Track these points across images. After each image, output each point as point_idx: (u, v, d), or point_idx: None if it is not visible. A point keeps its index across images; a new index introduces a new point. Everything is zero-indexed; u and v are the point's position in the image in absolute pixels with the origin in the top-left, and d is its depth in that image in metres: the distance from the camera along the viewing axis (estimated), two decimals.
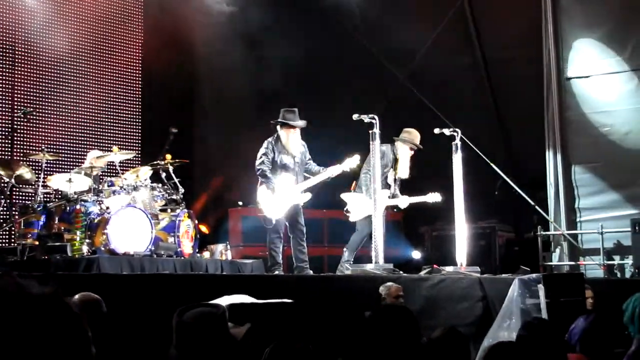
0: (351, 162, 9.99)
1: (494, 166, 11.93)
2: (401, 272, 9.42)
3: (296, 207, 9.88)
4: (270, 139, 9.91)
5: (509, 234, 13.84)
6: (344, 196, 10.39)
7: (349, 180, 10.55)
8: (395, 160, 10.48)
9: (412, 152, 10.58)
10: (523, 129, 14.13)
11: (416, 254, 13.83)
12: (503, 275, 9.16)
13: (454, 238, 10.09)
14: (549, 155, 12.69)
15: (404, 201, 10.70)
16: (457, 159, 10.09)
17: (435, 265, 9.32)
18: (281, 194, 9.69)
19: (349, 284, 8.67)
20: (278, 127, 9.94)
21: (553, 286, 7.61)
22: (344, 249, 10.34)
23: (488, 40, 14.66)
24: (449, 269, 9.46)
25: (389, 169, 10.45)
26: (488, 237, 13.24)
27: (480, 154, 11.66)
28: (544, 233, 12.48)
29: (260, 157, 9.82)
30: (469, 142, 10.96)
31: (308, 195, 9.94)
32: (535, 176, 13.09)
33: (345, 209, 10.34)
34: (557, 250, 12.60)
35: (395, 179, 10.62)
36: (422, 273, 9.11)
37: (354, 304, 7.94)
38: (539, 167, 12.83)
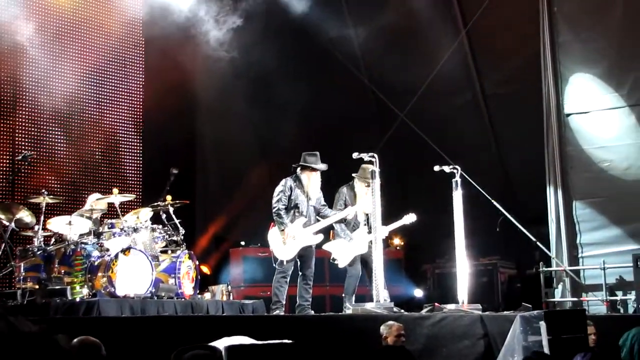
0: (351, 210, 10.19)
1: (495, 202, 11.91)
2: (402, 310, 9.39)
3: (308, 248, 9.93)
4: (289, 178, 9.99)
5: (510, 271, 13.79)
6: (327, 247, 10.41)
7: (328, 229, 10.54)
8: (354, 197, 10.47)
9: (369, 187, 10.34)
10: (524, 165, 14.15)
11: (418, 292, 13.78)
12: (505, 312, 9.12)
13: (456, 275, 10.05)
14: (550, 191, 12.68)
15: (382, 231, 10.43)
16: (458, 196, 10.09)
17: (436, 304, 9.29)
18: (293, 236, 9.76)
19: (350, 323, 8.64)
20: (298, 170, 10.04)
21: (555, 323, 7.56)
22: (343, 295, 10.35)
23: (487, 76, 14.74)
24: (451, 306, 9.42)
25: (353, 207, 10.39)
26: (490, 273, 13.21)
27: (481, 190, 11.65)
28: (546, 269, 12.44)
29: (278, 196, 9.87)
30: (470, 179, 10.95)
31: (320, 237, 10.03)
32: (537, 212, 13.07)
33: (331, 258, 10.38)
34: (560, 286, 12.54)
35: (365, 215, 10.50)
36: (424, 311, 9.07)
37: (354, 344, 7.92)
38: (540, 202, 12.81)
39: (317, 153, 10.14)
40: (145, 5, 13.73)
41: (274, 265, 9.90)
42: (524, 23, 13.66)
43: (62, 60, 12.94)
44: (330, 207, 10.35)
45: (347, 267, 10.35)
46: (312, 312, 9.87)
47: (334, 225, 10.35)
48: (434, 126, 14.40)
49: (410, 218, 10.69)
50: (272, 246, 9.84)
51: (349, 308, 9.77)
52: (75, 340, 5.03)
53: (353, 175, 10.52)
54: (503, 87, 14.51)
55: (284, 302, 9.91)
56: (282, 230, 9.73)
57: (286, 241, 9.74)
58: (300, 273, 9.97)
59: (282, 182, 9.97)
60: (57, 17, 12.99)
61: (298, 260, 9.95)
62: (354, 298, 10.24)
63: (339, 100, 14.78)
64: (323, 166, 10.11)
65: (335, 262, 10.36)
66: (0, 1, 12.16)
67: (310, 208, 9.98)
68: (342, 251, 10.28)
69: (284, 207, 9.80)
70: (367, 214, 10.40)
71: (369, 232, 10.19)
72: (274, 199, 9.86)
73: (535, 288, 12.29)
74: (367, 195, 10.25)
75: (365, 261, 10.25)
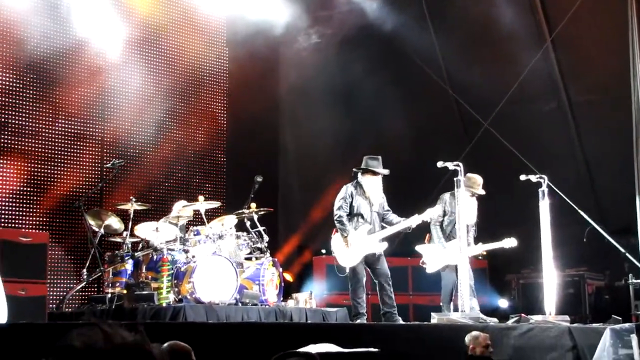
0: (432, 213, 9.93)
1: (582, 213, 11.68)
2: (494, 319, 9.29)
3: (374, 255, 9.71)
4: (349, 185, 9.81)
5: (598, 282, 13.50)
6: (419, 248, 10.37)
7: (423, 232, 10.43)
8: (455, 206, 10.19)
9: (474, 197, 10.38)
10: (612, 174, 13.84)
11: (503, 303, 13.60)
12: (594, 324, 8.93)
13: (541, 286, 9.91)
14: (639, 201, 12.36)
15: (478, 249, 10.55)
16: (545, 206, 9.94)
17: (522, 315, 9.14)
18: (356, 243, 9.57)
19: (435, 333, 8.56)
20: (359, 174, 9.84)
21: None
22: (441, 304, 10.26)
23: (574, 84, 14.50)
24: (537, 317, 9.27)
25: (453, 217, 10.21)
26: (577, 285, 12.95)
27: (568, 200, 11.45)
28: (635, 281, 12.11)
29: (339, 202, 9.70)
30: (556, 189, 10.76)
31: (385, 245, 9.78)
32: (626, 222, 12.75)
33: (421, 261, 10.30)
34: None
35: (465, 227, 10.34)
36: (510, 322, 8.94)
37: (439, 353, 7.85)
38: (629, 213, 12.49)
39: (379, 157, 9.93)
40: (229, 14, 13.91)
41: (338, 273, 9.79)
42: (612, 30, 13.38)
43: (148, 68, 13.19)
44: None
45: (442, 274, 10.25)
46: (401, 319, 9.74)
47: (431, 228, 10.24)
48: (519, 135, 14.20)
49: (510, 242, 10.51)
50: (335, 253, 9.70)
51: (434, 317, 9.57)
52: (165, 344, 5.09)
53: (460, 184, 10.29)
54: (590, 95, 14.25)
55: (365, 312, 9.76)
56: (345, 237, 9.57)
57: (349, 248, 9.56)
58: (376, 281, 9.80)
59: (343, 188, 9.81)
60: (143, 30, 13.25)
61: (368, 268, 9.77)
62: (452, 306, 10.08)
63: (422, 110, 14.70)
64: (385, 171, 9.87)
65: (425, 265, 10.27)
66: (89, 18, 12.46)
67: (374, 214, 9.76)
68: (433, 257, 10.17)
69: (345, 213, 9.63)
70: (467, 226, 10.23)
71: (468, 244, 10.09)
72: (335, 206, 9.73)
73: (624, 300, 11.99)
74: (470, 207, 10.16)
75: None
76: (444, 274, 10.18)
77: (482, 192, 10.37)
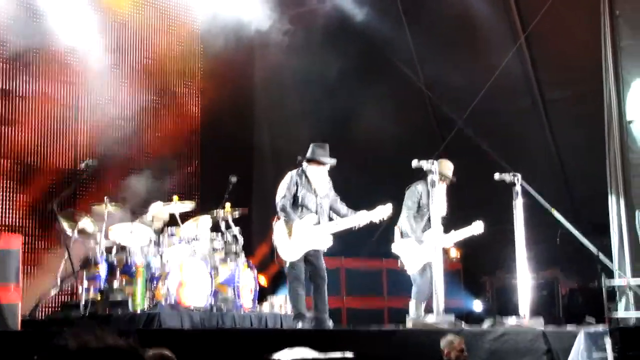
0: (383, 212, 9.08)
1: (555, 213, 11.73)
2: (463, 323, 9.30)
3: (317, 253, 8.99)
4: (293, 172, 9.13)
5: (572, 283, 13.57)
6: (395, 249, 9.91)
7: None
8: (428, 196, 9.71)
9: (444, 184, 9.93)
10: (584, 173, 13.91)
11: (477, 305, 13.65)
12: (568, 326, 8.99)
13: (516, 287, 9.90)
14: (612, 200, 12.42)
15: (449, 239, 10.14)
16: (519, 205, 9.90)
17: (497, 317, 9.19)
18: (300, 234, 8.84)
19: (411, 337, 8.57)
20: (304, 163, 9.18)
21: (621, 339, 7.44)
22: (413, 303, 9.79)
23: (547, 82, 14.56)
24: (511, 319, 9.30)
25: (427, 209, 9.77)
26: (550, 286, 13.02)
27: (542, 200, 11.50)
28: (608, 282, 12.18)
29: (283, 191, 8.97)
30: (530, 188, 10.78)
31: (330, 241, 9.06)
32: (599, 222, 12.82)
33: (399, 262, 9.88)
34: (623, 299, 12.27)
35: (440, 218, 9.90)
36: (485, 326, 8.98)
37: (415, 358, 7.87)
38: (602, 212, 12.57)
39: (327, 145, 9.28)
40: (203, 13, 13.84)
41: (281, 266, 9.07)
42: (585, 27, 13.44)
43: (121, 71, 13.11)
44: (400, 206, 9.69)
45: (415, 275, 9.81)
46: (331, 324, 9.11)
47: (403, 222, 9.80)
48: (493, 133, 14.27)
49: (478, 226, 10.27)
50: (276, 243, 8.95)
51: (409, 321, 9.42)
52: (150, 352, 5.03)
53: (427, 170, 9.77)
54: (563, 92, 14.32)
55: (306, 314, 8.97)
56: (290, 225, 8.81)
57: (292, 239, 8.83)
58: (311, 283, 9.05)
59: (287, 176, 9.10)
60: (116, 28, 13.20)
61: (306, 265, 8.98)
62: (423, 306, 9.69)
63: (396, 108, 14.68)
64: (332, 160, 9.19)
65: (405, 266, 9.82)
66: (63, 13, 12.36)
67: (320, 205, 9.01)
68: (413, 254, 9.76)
69: (289, 202, 8.89)
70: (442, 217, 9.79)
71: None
72: (278, 195, 9.00)
73: (597, 302, 12.05)
74: (441, 195, 9.69)
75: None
76: (418, 276, 9.79)
77: (453, 178, 10.02)
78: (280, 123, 14.57)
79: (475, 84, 14.46)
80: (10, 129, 11.90)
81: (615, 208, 12.37)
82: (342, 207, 9.19)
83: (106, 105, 12.88)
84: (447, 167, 9.98)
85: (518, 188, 9.95)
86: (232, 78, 13.91)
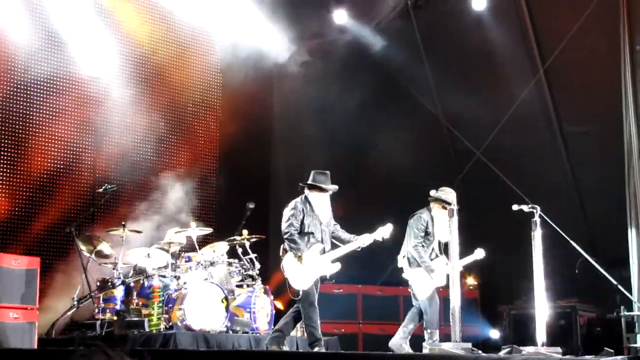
0: (384, 232, 9.17)
1: (574, 244, 11.63)
2: (480, 351, 9.21)
3: (324, 278, 8.98)
4: (298, 200, 9.02)
5: (590, 314, 13.43)
6: (406, 276, 9.90)
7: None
8: (432, 224, 9.91)
9: (447, 212, 9.53)
10: (604, 205, 13.83)
11: (494, 333, 13.56)
12: (586, 357, 8.88)
13: (533, 317, 9.82)
14: (632, 233, 12.33)
15: (459, 263, 9.60)
16: (537, 236, 9.87)
17: (514, 346, 9.09)
18: (310, 263, 8.79)
19: None
20: (306, 190, 9.07)
21: None
22: (428, 330, 9.83)
23: (566, 115, 14.54)
24: (529, 349, 9.21)
25: (432, 236, 9.87)
26: (568, 316, 12.89)
27: (560, 231, 11.41)
28: (627, 313, 12.07)
29: (289, 220, 8.86)
30: (548, 219, 10.72)
31: (338, 266, 9.01)
32: (618, 254, 12.73)
33: (409, 288, 9.88)
34: None
35: (440, 244, 9.99)
36: (502, 353, 8.89)
37: None
38: (621, 245, 12.48)
39: (328, 172, 9.20)
40: (223, 42, 13.96)
41: (291, 296, 8.97)
42: (605, 61, 13.44)
43: (141, 97, 13.25)
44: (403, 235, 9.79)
45: (425, 301, 9.80)
46: (324, 349, 9.09)
47: (412, 252, 9.80)
48: (511, 165, 14.24)
49: (479, 254, 10.29)
50: (288, 275, 8.87)
51: (426, 347, 9.41)
52: None
53: (430, 198, 9.96)
54: (582, 126, 14.26)
55: (322, 338, 8.97)
56: (300, 256, 8.75)
57: (303, 269, 8.78)
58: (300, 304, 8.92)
59: (291, 204, 8.98)
60: (137, 56, 13.35)
61: None
62: (437, 334, 9.77)
63: (414, 138, 14.70)
64: (333, 187, 9.11)
65: (414, 292, 9.83)
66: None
67: (324, 232, 8.98)
68: (422, 282, 9.78)
69: (297, 232, 8.80)
70: (444, 243, 9.86)
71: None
72: (285, 224, 8.88)
73: (616, 333, 11.93)
74: (444, 222, 9.65)
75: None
76: (427, 303, 9.78)
77: (456, 206, 10.04)
78: (298, 151, 14.60)
79: (493, 116, 14.48)
80: (30, 152, 12.00)
81: (635, 240, 12.26)
82: (343, 234, 9.20)
83: (125, 132, 12.98)
84: (452, 196, 9.93)
85: (536, 219, 9.94)
86: (251, 108, 14.01)
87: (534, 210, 9.88)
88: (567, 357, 8.79)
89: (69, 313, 10.14)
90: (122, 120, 13.02)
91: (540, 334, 9.51)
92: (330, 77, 14.62)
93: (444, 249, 9.88)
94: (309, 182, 9.09)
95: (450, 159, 15.49)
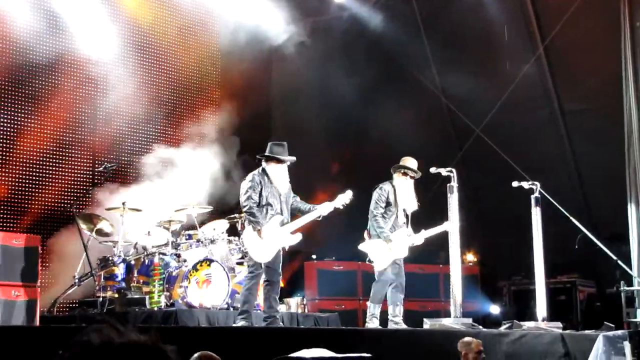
0: (343, 199, 9.08)
1: (574, 220, 11.67)
2: (480, 327, 9.26)
3: (284, 250, 8.89)
4: (255, 173, 8.88)
5: (590, 289, 13.50)
6: (362, 247, 9.71)
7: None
8: (394, 193, 9.69)
9: (411, 180, 9.75)
10: (603, 182, 13.87)
11: (494, 309, 13.62)
12: (586, 332, 8.93)
13: (533, 292, 9.88)
14: (631, 209, 12.37)
15: (420, 237, 9.84)
16: (537, 213, 9.92)
17: (515, 321, 9.14)
18: (270, 236, 8.64)
19: (428, 338, 8.54)
20: (263, 162, 8.96)
21: None
22: (368, 303, 9.65)
23: (566, 92, 14.53)
24: (530, 324, 9.26)
25: (395, 207, 9.68)
26: (568, 292, 12.97)
27: (560, 207, 11.44)
28: (627, 288, 12.11)
29: (247, 193, 8.70)
30: (547, 196, 10.75)
31: (298, 237, 8.94)
32: (617, 230, 12.77)
33: (367, 259, 9.69)
34: None
35: (406, 215, 9.79)
36: (502, 328, 8.94)
37: (432, 359, 7.84)
38: (620, 220, 12.52)
39: (285, 143, 9.08)
40: (222, 21, 13.91)
41: (253, 270, 8.76)
42: (604, 38, 13.42)
43: (140, 76, 13.23)
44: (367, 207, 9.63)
45: (378, 272, 9.61)
46: (282, 324, 9.04)
47: (371, 223, 9.64)
48: (511, 142, 14.24)
49: (448, 226, 9.82)
50: (248, 248, 8.73)
51: (427, 323, 9.33)
52: (195, 355, 5.03)
53: (392, 169, 9.81)
54: (582, 103, 14.28)
55: (252, 312, 8.87)
56: (259, 229, 8.58)
57: (263, 242, 8.61)
58: (265, 280, 8.78)
59: (249, 177, 8.85)
60: (136, 35, 13.33)
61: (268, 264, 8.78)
62: (379, 308, 9.56)
63: (414, 117, 14.68)
64: (290, 158, 9.02)
65: (373, 264, 9.65)
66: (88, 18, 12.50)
67: (283, 204, 8.85)
68: (380, 253, 9.56)
69: (255, 204, 8.65)
70: (408, 214, 9.75)
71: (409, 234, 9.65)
72: (243, 197, 8.74)
73: (616, 307, 11.98)
74: (408, 191, 9.64)
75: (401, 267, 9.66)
76: (379, 273, 9.59)
77: (416, 172, 9.75)
78: (297, 131, 14.58)
79: (493, 94, 14.48)
80: (29, 132, 11.99)
81: (635, 216, 12.32)
82: (302, 204, 9.14)
83: (124, 112, 12.96)
84: (411, 163, 9.77)
85: (537, 195, 9.97)
86: (250, 86, 13.97)
87: (534, 187, 9.94)
88: (568, 331, 8.84)
89: (70, 291, 10.16)
90: (122, 99, 12.98)
91: (541, 309, 9.58)
92: (330, 57, 14.59)
93: (412, 220, 9.77)
94: (266, 153, 8.96)
95: (450, 137, 15.49)
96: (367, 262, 9.81)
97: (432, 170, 9.71)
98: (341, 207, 9.15)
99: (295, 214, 9.10)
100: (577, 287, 13.07)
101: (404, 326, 9.42)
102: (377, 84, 14.74)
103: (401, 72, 15.00)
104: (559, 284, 12.85)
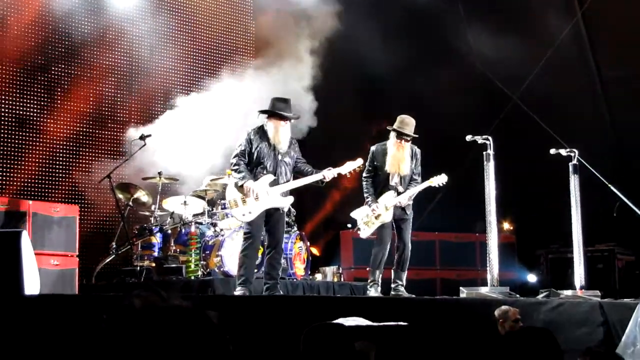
0: (352, 165, 8.59)
1: (612, 187, 11.53)
2: (517, 295, 9.20)
3: (275, 212, 8.32)
4: (252, 130, 8.33)
5: (628, 257, 13.37)
6: (353, 214, 9.37)
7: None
8: (384, 155, 9.14)
9: (408, 143, 9.18)
10: None
11: (532, 277, 13.56)
12: (625, 300, 8.84)
13: (571, 261, 9.79)
14: None
15: (404, 197, 9.16)
16: (575, 180, 9.82)
17: (552, 289, 9.07)
18: (255, 194, 8.08)
19: (465, 307, 8.51)
20: (265, 118, 8.38)
21: None
22: (368, 269, 9.28)
23: (605, 59, 14.33)
24: (567, 292, 9.19)
25: (382, 170, 9.13)
26: (606, 260, 12.85)
27: (598, 175, 11.32)
28: None
29: (237, 149, 8.28)
30: (586, 164, 10.62)
31: (290, 199, 8.47)
32: None
33: (356, 228, 9.35)
34: None
35: (401, 178, 9.20)
36: (540, 297, 8.88)
37: (469, 327, 7.81)
38: None
39: (289, 99, 8.53)
40: None
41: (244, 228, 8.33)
42: None
43: (176, 44, 13.24)
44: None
45: (373, 241, 9.26)
46: (281, 293, 8.56)
47: (363, 184, 9.20)
48: (548, 110, 14.09)
49: (440, 179, 9.48)
50: (228, 204, 8.39)
51: (464, 292, 9.09)
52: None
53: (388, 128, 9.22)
54: (620, 70, 14.07)
55: (253, 280, 8.35)
56: (240, 185, 8.09)
57: (246, 199, 8.09)
58: (267, 247, 8.40)
59: (245, 134, 8.33)
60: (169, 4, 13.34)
61: (265, 226, 8.33)
62: (380, 275, 9.15)
63: (450, 84, 14.55)
64: (294, 115, 8.56)
65: (359, 231, 9.26)
66: None
67: (280, 164, 8.26)
68: (366, 219, 9.17)
69: (243, 161, 8.17)
70: (401, 176, 9.16)
71: (398, 194, 9.07)
72: (233, 153, 8.35)
73: None
74: (399, 152, 9.06)
75: (400, 231, 9.20)
76: (378, 237, 9.20)
77: (409, 133, 9.14)
78: (332, 102, 14.50)
79: (531, 61, 14.31)
80: (66, 104, 12.06)
81: None
82: (304, 166, 8.53)
83: (160, 78, 12.99)
84: (406, 123, 9.20)
85: (575, 162, 9.86)
86: (284, 52, 13.91)
87: (572, 154, 9.82)
88: (606, 300, 8.76)
89: (107, 260, 10.25)
90: (158, 66, 13.02)
91: (578, 278, 9.50)
92: (364, 21, 14.43)
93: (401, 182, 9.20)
94: (268, 108, 8.40)
95: (486, 105, 15.34)
96: (355, 230, 9.37)
97: (468, 138, 9.57)
98: (347, 175, 8.70)
99: (297, 177, 8.55)
100: (616, 255, 12.95)
101: (403, 294, 9.06)
102: (412, 51, 14.60)
103: (437, 41, 14.84)
104: (596, 252, 12.73)
